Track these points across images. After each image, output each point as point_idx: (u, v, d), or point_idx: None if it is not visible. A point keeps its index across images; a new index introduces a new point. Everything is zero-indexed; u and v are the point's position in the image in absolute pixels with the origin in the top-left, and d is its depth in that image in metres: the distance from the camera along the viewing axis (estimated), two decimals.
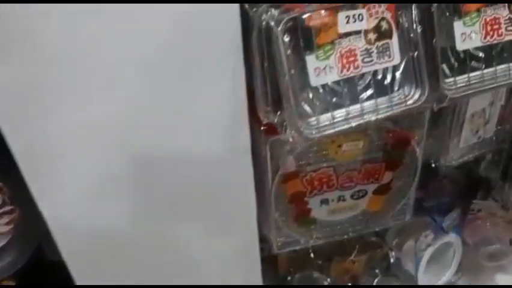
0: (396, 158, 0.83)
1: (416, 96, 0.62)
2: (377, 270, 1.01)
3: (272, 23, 0.54)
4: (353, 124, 0.60)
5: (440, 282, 1.02)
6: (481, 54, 0.65)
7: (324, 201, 0.85)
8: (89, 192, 0.64)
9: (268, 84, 0.60)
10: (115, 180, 0.64)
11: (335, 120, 0.60)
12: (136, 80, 0.58)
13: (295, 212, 0.85)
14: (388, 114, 0.61)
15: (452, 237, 0.98)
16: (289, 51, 0.57)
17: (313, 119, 0.59)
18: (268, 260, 0.96)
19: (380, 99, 0.62)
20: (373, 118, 0.61)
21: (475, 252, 1.02)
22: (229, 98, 0.64)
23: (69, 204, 0.63)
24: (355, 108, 0.61)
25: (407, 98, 0.62)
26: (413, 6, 0.59)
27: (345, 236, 0.91)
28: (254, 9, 0.56)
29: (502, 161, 0.92)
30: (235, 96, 0.63)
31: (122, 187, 0.65)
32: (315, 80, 0.57)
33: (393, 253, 1.03)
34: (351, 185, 0.84)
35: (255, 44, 0.58)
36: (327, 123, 0.60)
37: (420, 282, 0.98)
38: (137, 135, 0.62)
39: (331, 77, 0.58)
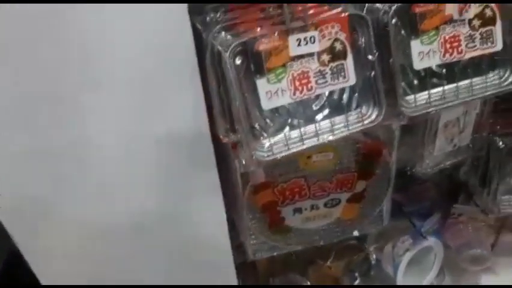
0: (368, 168, 0.83)
1: (374, 115, 0.62)
2: (356, 274, 1.01)
3: (221, 48, 0.54)
4: (308, 145, 0.60)
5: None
6: (443, 71, 0.64)
7: (297, 210, 0.85)
8: None
9: (225, 105, 0.60)
10: None
11: (289, 142, 0.60)
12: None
13: (269, 220, 0.85)
14: (344, 134, 0.61)
15: (431, 242, 0.98)
16: (241, 74, 0.57)
17: (266, 141, 0.59)
18: (248, 264, 0.98)
19: (336, 119, 0.61)
20: (329, 138, 0.61)
21: (456, 256, 1.02)
22: (191, 116, 0.64)
23: None
24: (310, 128, 0.60)
25: (364, 118, 0.62)
26: (369, 25, 0.58)
27: (322, 243, 0.92)
28: (205, 32, 0.56)
29: (480, 167, 0.91)
30: (196, 114, 0.64)
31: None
32: (266, 104, 0.57)
33: (374, 256, 1.03)
34: (323, 194, 0.84)
35: (209, 66, 0.57)
36: (281, 144, 0.59)
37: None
38: (98, 156, 0.63)
39: (283, 100, 0.58)
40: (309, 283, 1.00)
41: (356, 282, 1.01)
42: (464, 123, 0.84)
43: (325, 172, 0.82)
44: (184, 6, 0.54)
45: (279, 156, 0.59)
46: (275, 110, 0.60)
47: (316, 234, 0.90)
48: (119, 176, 0.64)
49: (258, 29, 0.55)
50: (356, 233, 0.94)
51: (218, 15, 0.59)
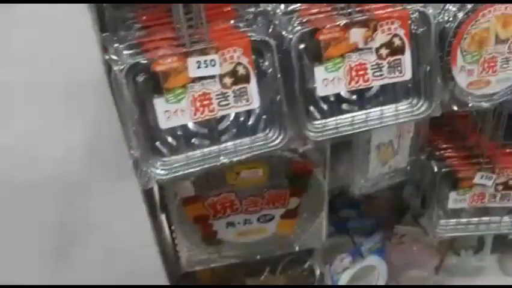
0: (300, 186, 0.84)
1: (279, 138, 0.62)
2: None
3: (115, 67, 0.55)
4: (207, 166, 0.60)
5: None
6: (353, 97, 0.64)
7: (230, 224, 0.86)
8: None
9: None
10: None
11: (190, 161, 0.60)
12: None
13: (201, 233, 0.86)
14: (248, 155, 0.62)
15: (372, 261, 0.98)
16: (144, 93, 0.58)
17: (166, 159, 0.60)
18: (190, 275, 0.99)
19: (241, 141, 0.62)
20: (233, 159, 0.61)
21: (397, 275, 1.02)
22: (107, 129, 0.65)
23: None
24: (213, 149, 0.61)
25: (269, 140, 0.62)
26: (273, 50, 0.59)
27: (258, 257, 0.92)
28: (107, 55, 0.57)
29: (421, 189, 0.91)
30: (111, 128, 0.65)
31: None
32: (165, 123, 0.58)
33: (318, 271, 1.04)
34: (256, 209, 0.85)
35: (114, 86, 0.58)
36: (183, 163, 0.60)
37: None
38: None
39: (183, 119, 0.58)
40: None
41: None
42: (399, 146, 0.84)
43: (256, 188, 0.82)
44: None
45: (178, 175, 0.60)
46: (179, 129, 0.60)
47: (252, 248, 0.91)
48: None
49: (159, 50, 0.56)
50: (296, 248, 0.94)
51: (128, 33, 0.60)
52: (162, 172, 0.59)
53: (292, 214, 0.87)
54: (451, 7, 0.64)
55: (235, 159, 0.61)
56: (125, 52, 0.57)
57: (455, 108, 0.69)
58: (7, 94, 0.59)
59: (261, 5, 0.63)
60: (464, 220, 0.89)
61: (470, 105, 0.69)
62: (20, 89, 0.60)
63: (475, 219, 0.90)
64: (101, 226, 0.75)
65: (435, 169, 0.84)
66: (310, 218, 0.89)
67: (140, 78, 0.57)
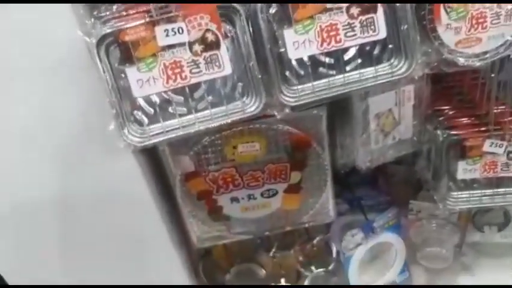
0: (299, 159, 0.83)
1: (255, 105, 0.63)
2: (312, 267, 1.01)
3: (88, 39, 0.57)
4: (181, 133, 0.62)
5: (380, 282, 1.00)
6: (331, 61, 0.63)
7: (235, 199, 0.87)
8: None
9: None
10: None
11: (167, 129, 0.62)
12: None
13: (207, 208, 0.88)
14: (223, 121, 0.63)
15: (388, 237, 0.96)
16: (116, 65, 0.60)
17: (145, 127, 0.62)
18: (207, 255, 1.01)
19: (216, 109, 0.63)
20: (208, 126, 0.62)
21: (416, 253, 0.99)
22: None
23: None
24: (190, 117, 0.62)
25: (245, 107, 0.63)
26: (242, 16, 0.59)
27: (267, 233, 0.93)
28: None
29: (432, 161, 0.88)
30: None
31: None
32: (139, 92, 0.60)
33: (335, 249, 1.03)
34: (258, 184, 0.85)
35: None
36: (159, 131, 0.62)
37: (352, 282, 0.97)
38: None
39: (156, 88, 0.60)
40: (264, 272, 1.01)
41: (312, 275, 1.01)
42: (400, 114, 0.82)
43: (255, 162, 0.83)
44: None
45: (156, 141, 0.62)
46: (155, 97, 0.62)
47: (260, 224, 0.91)
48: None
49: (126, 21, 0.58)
50: (306, 224, 0.94)
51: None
52: (138, 139, 0.61)
53: (295, 188, 0.87)
54: None
55: (211, 125, 0.62)
56: (98, 26, 0.59)
57: (444, 68, 0.66)
58: None
59: None
60: (477, 192, 0.85)
61: (460, 64, 0.66)
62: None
63: (490, 191, 0.85)
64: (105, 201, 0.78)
65: (441, 138, 0.81)
66: (315, 192, 0.88)
67: (113, 49, 0.59)
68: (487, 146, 0.80)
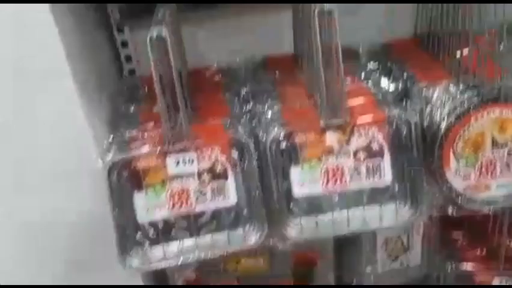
0: (304, 276, 0.83)
1: (258, 235, 0.63)
2: None
3: (102, 165, 0.59)
4: (183, 259, 0.62)
5: None
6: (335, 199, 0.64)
7: None
8: None
9: None
10: None
11: (167, 255, 0.63)
12: None
13: None
14: (224, 252, 0.63)
15: None
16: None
17: (145, 250, 0.63)
18: None
19: (218, 236, 0.63)
20: (208, 254, 0.63)
21: None
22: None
23: None
24: (189, 243, 0.63)
25: (247, 237, 0.63)
26: (251, 150, 0.61)
27: None
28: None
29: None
30: None
31: None
32: (144, 217, 0.61)
33: None
34: None
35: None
36: (160, 257, 0.63)
37: None
38: None
39: (160, 214, 0.61)
40: None
41: None
42: (409, 242, 0.81)
43: (258, 276, 0.83)
44: None
45: (157, 266, 0.62)
46: (159, 221, 0.63)
47: None
48: None
49: (141, 148, 0.60)
50: None
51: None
52: (138, 263, 0.62)
53: None
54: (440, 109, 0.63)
55: (210, 253, 0.63)
56: (114, 148, 0.62)
57: (450, 212, 0.66)
58: None
59: (251, 104, 0.67)
60: None
61: (468, 209, 0.66)
62: None
63: None
64: None
65: (449, 270, 0.80)
66: None
67: (125, 173, 0.61)
68: (496, 283, 0.79)
